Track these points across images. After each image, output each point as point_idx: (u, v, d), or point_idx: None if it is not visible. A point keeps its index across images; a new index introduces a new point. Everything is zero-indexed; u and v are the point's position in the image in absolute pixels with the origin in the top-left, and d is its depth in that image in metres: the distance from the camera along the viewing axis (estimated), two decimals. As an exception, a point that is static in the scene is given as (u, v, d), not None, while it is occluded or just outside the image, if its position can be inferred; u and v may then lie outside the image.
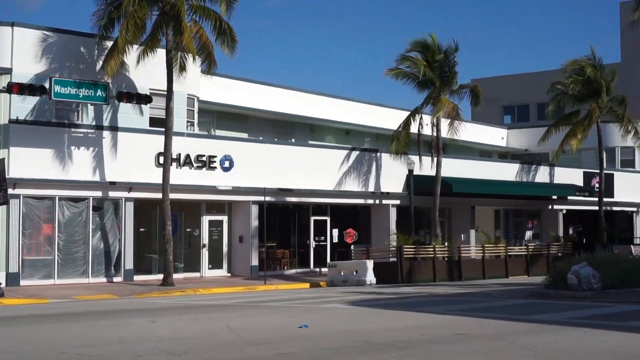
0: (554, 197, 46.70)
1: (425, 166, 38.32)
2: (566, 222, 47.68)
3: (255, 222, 36.08)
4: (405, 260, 34.53)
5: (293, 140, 43.62)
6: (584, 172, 47.45)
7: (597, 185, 45.06)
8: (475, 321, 17.35)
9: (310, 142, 43.43)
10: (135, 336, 15.35)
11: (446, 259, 36.53)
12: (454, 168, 40.92)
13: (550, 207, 46.78)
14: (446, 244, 38.39)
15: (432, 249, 35.61)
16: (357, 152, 39.96)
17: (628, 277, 24.20)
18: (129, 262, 33.22)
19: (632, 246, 42.46)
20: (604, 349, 13.19)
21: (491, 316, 18.17)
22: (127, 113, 33.89)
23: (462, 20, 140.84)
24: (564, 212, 47.01)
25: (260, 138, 40.74)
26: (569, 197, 46.32)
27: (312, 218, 39.76)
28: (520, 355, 12.66)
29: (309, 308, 21.60)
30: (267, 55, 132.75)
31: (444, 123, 38.97)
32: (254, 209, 36.03)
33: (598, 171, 44.52)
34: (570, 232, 48.38)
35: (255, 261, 36.16)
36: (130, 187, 33.06)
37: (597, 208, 44.19)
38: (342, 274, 33.98)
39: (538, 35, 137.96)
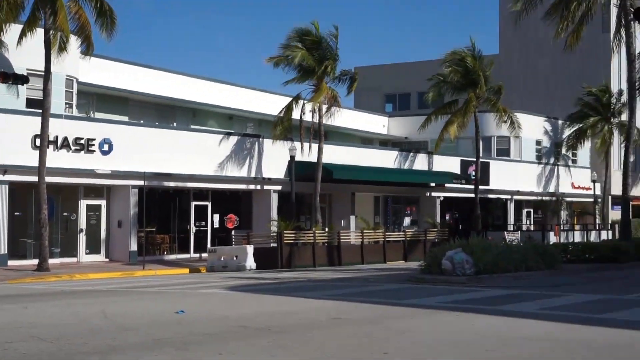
0: (432, 184, 47.72)
1: (308, 152, 38.52)
2: (443, 209, 48.81)
3: (134, 207, 35.54)
4: (286, 246, 34.70)
5: (175, 124, 43.13)
6: (462, 160, 48.62)
7: (473, 173, 46.25)
8: (351, 306, 17.58)
9: (193, 126, 43.02)
10: (6, 322, 14.91)
11: (326, 244, 36.88)
12: (336, 154, 41.27)
13: (428, 194, 47.78)
14: (326, 229, 38.76)
15: (312, 235, 35.89)
16: (240, 138, 39.84)
17: (500, 262, 25.00)
18: (3, 247, 32.20)
19: (505, 233, 43.84)
20: (474, 332, 13.58)
21: (367, 301, 18.45)
22: (2, 94, 32.80)
23: (345, 9, 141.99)
24: (442, 199, 48.11)
25: (141, 121, 40.10)
26: (447, 185, 47.40)
27: (193, 203, 39.44)
28: (394, 338, 12.90)
29: (186, 293, 21.45)
30: (151, 38, 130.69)
31: (326, 110, 39.24)
32: (134, 194, 35.47)
33: (475, 159, 45.69)
34: (447, 218, 49.56)
35: (134, 246, 35.63)
36: (4, 169, 32.02)
37: (473, 195, 45.39)
38: (222, 259, 33.87)
39: (421, 25, 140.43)
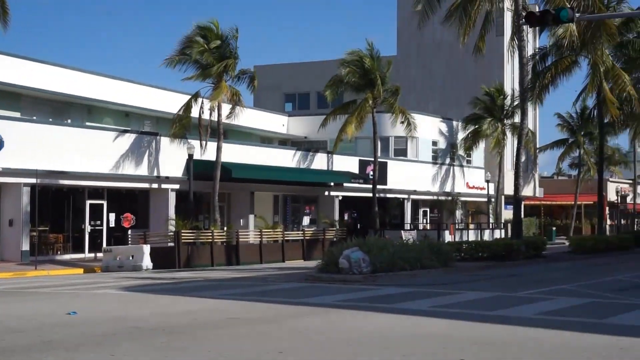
0: (331, 183, 48.02)
1: (207, 151, 38.23)
2: (342, 208, 49.16)
3: (26, 206, 34.58)
4: (184, 245, 34.37)
5: (69, 121, 42.16)
6: (360, 160, 49.08)
7: (371, 172, 46.75)
8: (248, 305, 17.57)
9: (88, 123, 42.14)
10: None
11: (225, 244, 36.69)
12: (235, 153, 41.08)
13: (327, 193, 48.07)
14: (225, 229, 38.56)
15: (210, 234, 35.67)
16: (137, 135, 39.23)
17: (396, 261, 25.36)
18: None
19: (402, 231, 44.45)
20: (369, 330, 13.75)
21: (264, 300, 18.47)
22: None
23: (246, 7, 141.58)
24: (340, 198, 48.47)
25: (34, 118, 39.07)
26: (345, 184, 47.77)
27: (88, 202, 38.64)
28: (289, 338, 12.95)
29: (80, 294, 21.05)
30: (46, 33, 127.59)
31: (226, 108, 39.03)
32: (26, 192, 34.50)
33: (373, 159, 46.18)
34: (346, 217, 49.95)
35: (26, 246, 34.67)
36: None
37: (371, 195, 45.89)
38: (117, 259, 33.32)
39: (322, 25, 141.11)
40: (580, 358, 11.62)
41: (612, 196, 70.29)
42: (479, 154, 59.57)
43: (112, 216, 38.74)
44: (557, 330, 14.05)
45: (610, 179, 74.84)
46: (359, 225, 49.49)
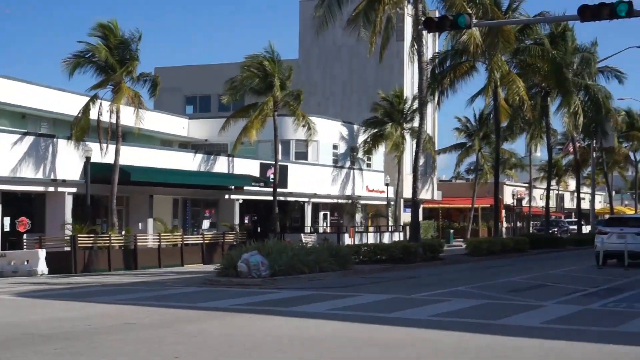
0: (232, 187, 47.79)
1: (108, 154, 37.53)
2: (243, 212, 48.97)
3: None
4: (80, 250, 33.70)
5: (-38, 122, 40.85)
6: (261, 163, 48.98)
7: (272, 176, 46.74)
8: (145, 310, 17.35)
9: (-19, 124, 40.90)
10: None
11: (123, 248, 36.12)
12: (135, 156, 40.47)
13: (227, 196, 47.81)
14: (123, 232, 37.95)
15: (108, 238, 35.07)
16: (33, 137, 38.27)
17: (295, 264, 25.41)
18: None
19: (302, 235, 44.58)
20: (266, 333, 13.74)
21: (162, 304, 18.27)
22: None
23: (147, 8, 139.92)
24: (241, 201, 48.27)
25: None
26: (246, 187, 47.62)
27: (-19, 205, 37.50)
28: (185, 342, 12.84)
29: (-30, 300, 20.43)
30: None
31: (126, 111, 38.42)
32: None
33: (274, 162, 46.19)
34: (246, 221, 49.80)
35: None
36: None
37: (272, 198, 45.89)
38: (12, 264, 32.45)
39: (225, 28, 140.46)
40: (474, 358, 11.88)
41: (508, 199, 72.09)
42: (379, 158, 60.22)
43: (7, 220, 37.67)
44: (453, 331, 14.33)
45: (507, 183, 76.71)
46: (259, 228, 49.42)
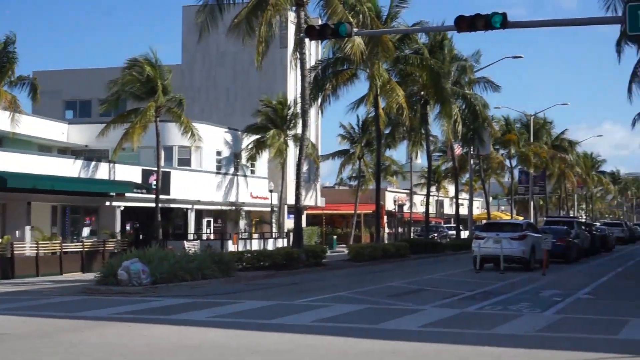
0: (112, 193, 46.90)
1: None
2: (124, 219, 48.10)
3: None
4: (-47, 259, 32.46)
5: None
6: (143, 170, 48.23)
7: (154, 182, 46.12)
8: (20, 320, 16.86)
9: None
10: None
11: (-2, 256, 34.96)
12: (12, 162, 39.27)
13: (108, 203, 46.88)
14: (0, 240, 36.74)
15: (-18, 247, 33.88)
16: None
17: (177, 271, 25.16)
18: None
19: (185, 242, 44.18)
20: (145, 342, 13.56)
21: (39, 314, 17.79)
22: None
23: (23, 11, 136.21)
24: (122, 208, 47.42)
25: None
26: (127, 194, 46.80)
27: None
28: (62, 352, 12.55)
29: None
30: None
31: (2, 115, 37.30)
32: None
33: (156, 169, 45.59)
34: (128, 228, 48.94)
35: None
36: None
37: (154, 205, 45.27)
38: None
39: (109, 32, 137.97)
40: (352, 362, 12.03)
41: (390, 205, 73.24)
42: (262, 164, 60.24)
43: None
44: (334, 336, 14.45)
45: (388, 189, 77.93)
46: (141, 236, 48.65)
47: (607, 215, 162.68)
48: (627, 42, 35.30)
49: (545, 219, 62.76)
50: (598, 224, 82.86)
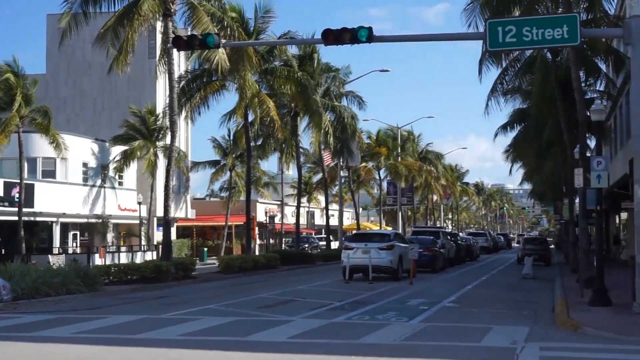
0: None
1: None
2: (-15, 233, 46.42)
3: None
4: None
5: None
6: (5, 182, 46.62)
7: (17, 195, 44.64)
8: None
9: None
10: None
11: None
12: None
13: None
14: None
15: None
16: None
17: (40, 287, 24.35)
18: None
19: (50, 256, 42.86)
20: (4, 361, 13.03)
21: None
22: None
23: None
24: (-17, 222, 45.77)
25: None
26: (-11, 208, 45.22)
27: None
28: None
29: None
30: None
31: None
32: None
33: (19, 181, 44.15)
34: (-10, 243, 47.21)
35: None
36: None
37: (17, 218, 43.80)
38: None
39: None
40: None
41: (261, 217, 73.14)
42: (131, 176, 59.14)
43: None
44: (201, 349, 14.29)
45: (260, 200, 77.86)
46: (3, 250, 46.95)
47: (472, 226, 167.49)
48: (488, 58, 36.40)
49: (412, 229, 64.02)
50: (463, 234, 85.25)
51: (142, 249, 53.85)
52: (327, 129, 52.10)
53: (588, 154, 35.53)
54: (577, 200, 32.70)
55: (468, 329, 17.23)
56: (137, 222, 57.33)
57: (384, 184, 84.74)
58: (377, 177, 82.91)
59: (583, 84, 35.32)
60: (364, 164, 77.61)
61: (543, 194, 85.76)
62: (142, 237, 57.35)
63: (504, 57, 37.13)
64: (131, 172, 58.30)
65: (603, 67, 37.49)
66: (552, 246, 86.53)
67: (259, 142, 55.58)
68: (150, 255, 51.51)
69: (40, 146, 48.79)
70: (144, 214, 56.64)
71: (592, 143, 39.62)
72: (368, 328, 17.23)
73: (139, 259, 49.39)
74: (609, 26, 30.55)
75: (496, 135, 50.89)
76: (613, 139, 46.73)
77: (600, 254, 23.50)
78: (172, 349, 14.27)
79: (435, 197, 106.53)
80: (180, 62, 55.09)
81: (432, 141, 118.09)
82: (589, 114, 27.15)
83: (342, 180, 70.16)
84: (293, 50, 51.31)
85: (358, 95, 60.34)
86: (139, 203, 55.42)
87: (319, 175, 74.43)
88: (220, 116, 54.23)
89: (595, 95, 40.03)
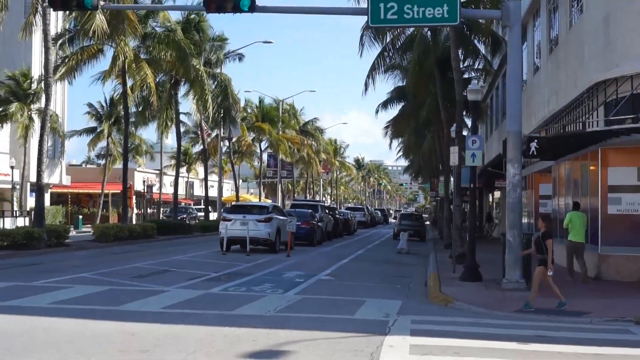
0: None
1: None
2: None
3: None
4: None
5: None
6: None
7: None
8: None
9: None
10: None
11: None
12: None
13: None
14: None
15: None
16: None
17: None
18: None
19: None
20: None
21: None
22: None
23: None
24: None
25: None
26: None
27: None
28: None
29: None
30: None
31: None
32: None
33: None
34: None
35: None
36: None
37: None
38: None
39: None
40: (91, 344, 11.64)
41: (139, 186, 72.06)
42: (3, 139, 57.14)
43: None
44: (72, 318, 13.99)
45: (138, 169, 76.65)
46: None
47: (350, 200, 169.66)
48: (370, 35, 36.72)
49: (291, 202, 64.27)
50: (342, 208, 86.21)
51: (14, 215, 52.22)
52: (206, 97, 51.31)
53: (464, 133, 36.52)
54: (452, 178, 33.45)
55: (342, 302, 17.43)
56: (9, 186, 55.57)
57: (264, 157, 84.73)
58: (258, 150, 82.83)
59: (462, 64, 36.12)
60: (246, 138, 77.29)
61: (420, 170, 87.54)
62: (14, 203, 55.63)
63: (388, 33, 37.61)
64: (4, 135, 56.34)
65: (482, 47, 38.36)
66: (428, 222, 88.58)
67: (141, 110, 54.43)
68: (22, 222, 50.00)
69: None
70: (17, 178, 54.93)
71: (469, 122, 40.55)
72: (243, 299, 17.21)
73: (9, 224, 47.88)
74: (490, 7, 31.17)
75: (377, 111, 51.59)
76: (490, 118, 48.05)
77: (473, 231, 24.10)
78: (42, 317, 13.90)
79: (315, 171, 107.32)
80: (58, 21, 53.53)
81: (316, 116, 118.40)
82: (466, 94, 27.79)
83: (223, 151, 69.68)
84: (176, 16, 50.39)
85: (239, 53, 59.73)
86: (12, 167, 53.69)
87: (199, 146, 73.68)
88: (93, 79, 52.58)
89: (472, 75, 41.01)
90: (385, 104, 50.69)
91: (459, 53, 33.28)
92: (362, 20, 27.59)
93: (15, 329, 12.67)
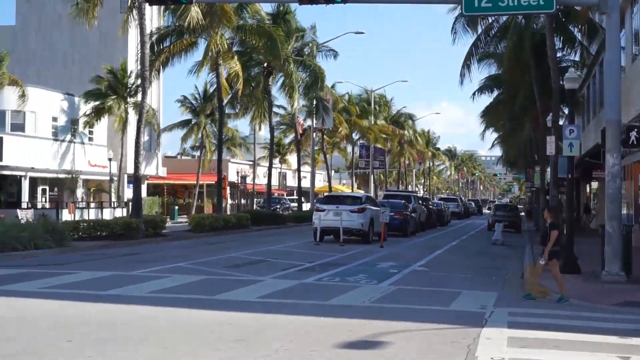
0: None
1: None
2: None
3: None
4: None
5: None
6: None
7: (-13, 148, 44.12)
8: None
9: None
10: None
11: None
12: None
13: None
14: None
15: None
16: None
17: (7, 241, 24.12)
18: None
19: (18, 210, 42.48)
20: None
21: None
22: None
23: None
24: (-49, 175, 45.23)
25: None
26: None
27: None
28: None
29: None
30: None
31: None
32: None
33: (-10, 134, 43.64)
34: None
35: None
36: None
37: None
38: None
39: None
40: (190, 333, 11.81)
41: (233, 176, 72.92)
42: (101, 132, 58.57)
43: None
44: (171, 307, 14.20)
45: (232, 160, 77.56)
46: (-30, 203, 46.48)
47: (443, 191, 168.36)
48: (464, 23, 36.28)
49: (384, 192, 64.06)
50: (435, 199, 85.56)
51: (112, 206, 53.52)
52: (297, 85, 51.34)
53: (561, 122, 35.68)
54: (548, 168, 32.80)
55: (437, 293, 17.29)
56: (107, 178, 56.96)
57: (357, 148, 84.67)
58: (354, 139, 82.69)
59: (558, 52, 35.33)
60: (342, 130, 77.27)
61: (515, 161, 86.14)
62: (112, 194, 56.98)
63: (480, 22, 37.06)
64: (102, 128, 57.76)
65: (578, 35, 37.46)
66: (523, 213, 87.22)
67: (231, 101, 54.97)
68: (120, 212, 51.22)
69: (8, 99, 48.13)
70: (115, 170, 56.25)
71: (565, 111, 39.68)
72: (338, 290, 17.22)
73: (107, 215, 49.08)
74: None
75: (473, 96, 50.61)
76: (586, 108, 46.91)
77: (570, 222, 23.59)
78: (141, 306, 14.17)
79: (408, 162, 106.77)
80: (153, 17, 54.49)
81: (405, 105, 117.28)
82: (562, 82, 27.16)
83: (315, 141, 69.90)
84: (267, 8, 50.70)
85: (332, 49, 59.83)
86: (110, 159, 55.01)
87: (292, 136, 74.07)
88: (189, 71, 53.29)
89: (569, 64, 40.09)
90: (480, 90, 49.89)
91: (555, 41, 32.55)
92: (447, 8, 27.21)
93: (115, 319, 12.93)
